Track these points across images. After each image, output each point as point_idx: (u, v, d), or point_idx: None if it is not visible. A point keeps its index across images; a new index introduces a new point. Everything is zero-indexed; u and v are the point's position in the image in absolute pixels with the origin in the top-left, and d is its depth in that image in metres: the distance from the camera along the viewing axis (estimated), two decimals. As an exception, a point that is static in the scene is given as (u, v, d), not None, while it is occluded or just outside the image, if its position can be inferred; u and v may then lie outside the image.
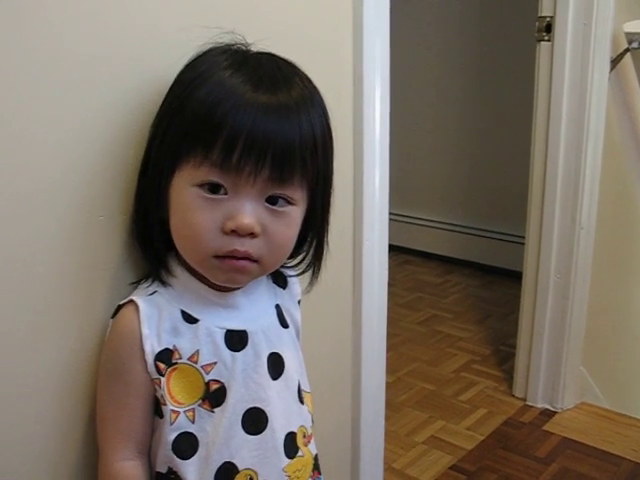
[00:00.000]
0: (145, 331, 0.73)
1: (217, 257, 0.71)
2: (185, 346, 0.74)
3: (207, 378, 0.75)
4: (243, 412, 0.76)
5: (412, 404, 2.10)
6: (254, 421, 0.76)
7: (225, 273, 0.73)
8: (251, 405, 0.76)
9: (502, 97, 3.08)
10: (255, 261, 0.72)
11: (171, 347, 0.74)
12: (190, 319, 0.75)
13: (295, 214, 0.74)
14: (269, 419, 0.77)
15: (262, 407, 0.77)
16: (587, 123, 1.84)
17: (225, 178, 0.69)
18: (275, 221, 0.72)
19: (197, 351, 0.74)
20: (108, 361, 0.75)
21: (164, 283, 0.78)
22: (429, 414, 2.04)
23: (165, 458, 0.75)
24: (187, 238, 0.72)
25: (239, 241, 0.70)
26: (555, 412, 2.04)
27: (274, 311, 0.84)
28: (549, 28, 1.83)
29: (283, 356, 0.81)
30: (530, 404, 2.08)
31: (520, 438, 1.92)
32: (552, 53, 1.83)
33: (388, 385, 2.14)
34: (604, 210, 1.97)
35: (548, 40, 1.84)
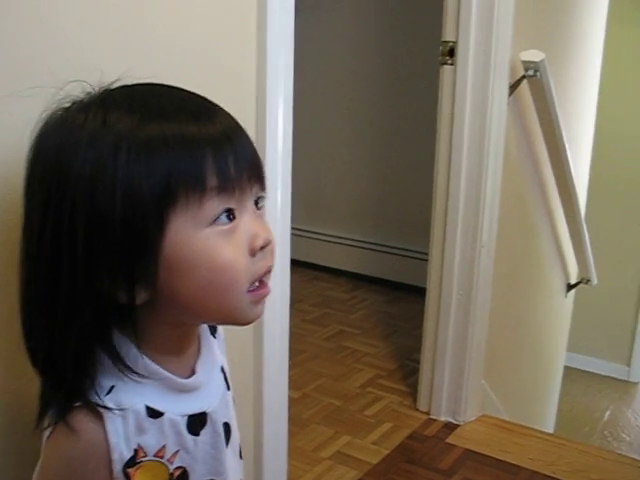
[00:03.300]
0: (113, 440, 0.65)
1: (249, 292, 0.66)
2: (150, 443, 0.68)
3: (171, 468, 0.70)
4: None
5: (318, 420, 2.11)
6: None
7: (258, 305, 0.68)
8: (209, 478, 0.74)
9: (411, 117, 3.16)
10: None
11: (136, 447, 0.67)
12: (154, 414, 0.68)
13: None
14: None
15: None
16: (488, 145, 1.90)
17: (232, 198, 0.64)
18: (264, 223, 0.69)
19: (163, 446, 0.69)
20: (65, 469, 0.66)
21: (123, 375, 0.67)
22: (335, 429, 2.05)
23: None
24: (220, 287, 0.64)
25: (263, 255, 0.67)
26: (457, 425, 2.09)
27: (221, 375, 0.79)
28: (452, 52, 1.90)
29: (230, 423, 0.78)
30: (434, 417, 2.13)
31: (424, 451, 1.95)
32: (455, 77, 1.90)
33: (295, 401, 2.14)
34: (504, 228, 2.05)
35: (451, 64, 1.91)
